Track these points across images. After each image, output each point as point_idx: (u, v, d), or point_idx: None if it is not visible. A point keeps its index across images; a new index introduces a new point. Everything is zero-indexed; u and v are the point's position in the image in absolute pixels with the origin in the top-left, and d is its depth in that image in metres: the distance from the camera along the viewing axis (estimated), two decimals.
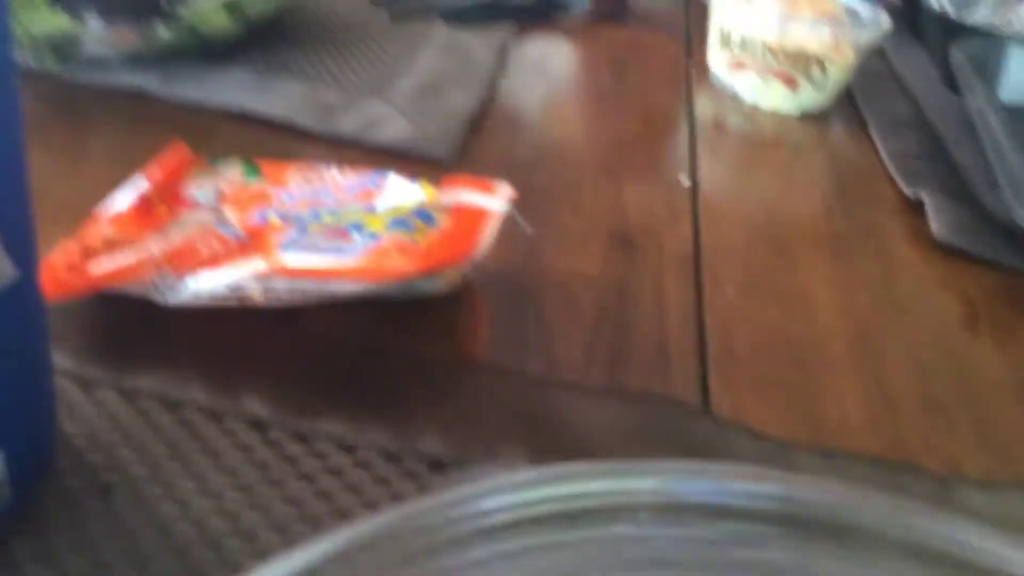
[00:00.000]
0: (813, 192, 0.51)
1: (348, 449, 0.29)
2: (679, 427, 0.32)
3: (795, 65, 0.58)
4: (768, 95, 0.60)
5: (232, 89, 0.50)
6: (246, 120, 0.49)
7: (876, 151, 0.56)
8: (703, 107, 0.60)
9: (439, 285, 0.35)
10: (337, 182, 0.36)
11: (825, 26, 0.58)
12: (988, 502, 0.30)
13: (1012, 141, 0.49)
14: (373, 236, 0.32)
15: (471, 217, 0.34)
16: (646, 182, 0.49)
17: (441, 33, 0.63)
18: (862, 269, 0.44)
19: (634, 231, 0.44)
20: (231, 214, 0.34)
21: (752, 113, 0.60)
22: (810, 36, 0.58)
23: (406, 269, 0.31)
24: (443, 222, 0.34)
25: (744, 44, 0.60)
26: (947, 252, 0.46)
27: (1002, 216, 0.46)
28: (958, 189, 0.50)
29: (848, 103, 0.62)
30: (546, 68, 0.63)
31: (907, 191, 0.50)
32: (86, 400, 0.30)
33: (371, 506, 0.28)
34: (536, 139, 0.52)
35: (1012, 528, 0.24)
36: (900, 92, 0.65)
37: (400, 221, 0.33)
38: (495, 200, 0.35)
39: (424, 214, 0.34)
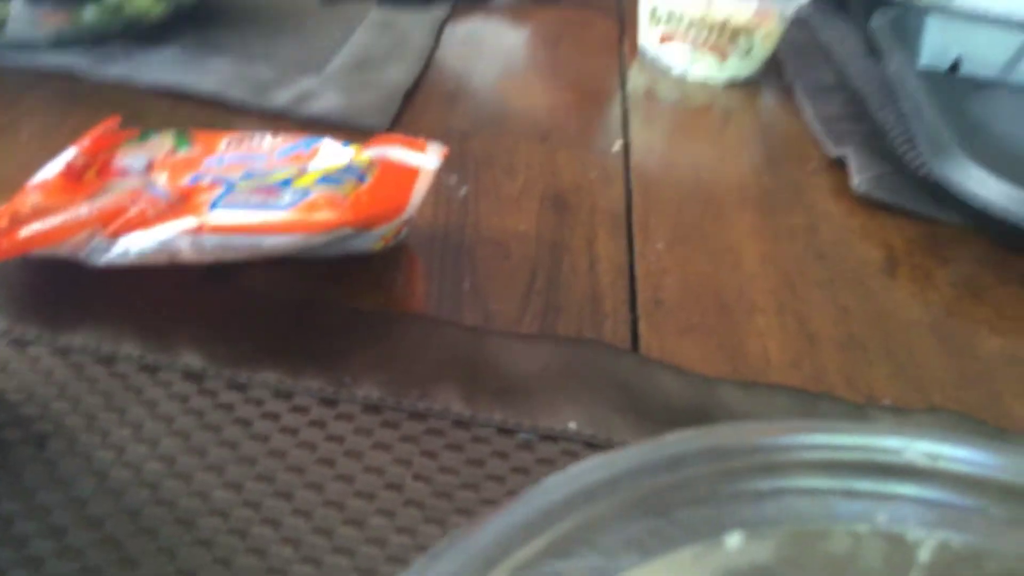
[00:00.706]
0: (741, 154, 0.53)
1: (284, 395, 0.30)
2: (609, 365, 0.33)
3: (722, 36, 0.60)
4: (697, 66, 0.62)
5: (162, 67, 0.50)
6: (177, 98, 0.49)
7: (802, 115, 0.58)
8: (635, 79, 0.61)
9: (374, 243, 0.36)
10: (269, 148, 0.36)
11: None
12: (900, 424, 0.32)
13: (929, 101, 0.52)
14: (303, 192, 0.33)
15: (401, 173, 0.35)
16: (579, 147, 0.50)
17: (375, 13, 0.63)
18: (787, 222, 0.46)
19: (567, 192, 0.46)
20: (161, 179, 0.35)
21: (682, 83, 0.62)
22: (736, 8, 0.59)
23: (334, 220, 0.32)
24: (372, 176, 0.35)
25: (672, 18, 0.61)
26: (868, 205, 0.48)
27: (919, 170, 0.48)
28: (879, 147, 0.52)
29: (775, 71, 0.64)
30: (481, 44, 0.64)
31: (831, 150, 0.52)
32: (20, 358, 0.30)
33: (308, 446, 0.28)
34: (471, 110, 0.53)
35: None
36: (825, 59, 0.67)
37: (330, 178, 0.34)
38: (426, 157, 0.36)
39: (354, 170, 0.35)
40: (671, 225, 0.44)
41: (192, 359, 0.31)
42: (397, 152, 0.36)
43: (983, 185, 0.43)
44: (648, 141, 0.53)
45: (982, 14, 0.68)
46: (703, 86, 0.61)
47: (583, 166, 0.48)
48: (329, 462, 0.28)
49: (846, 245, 0.44)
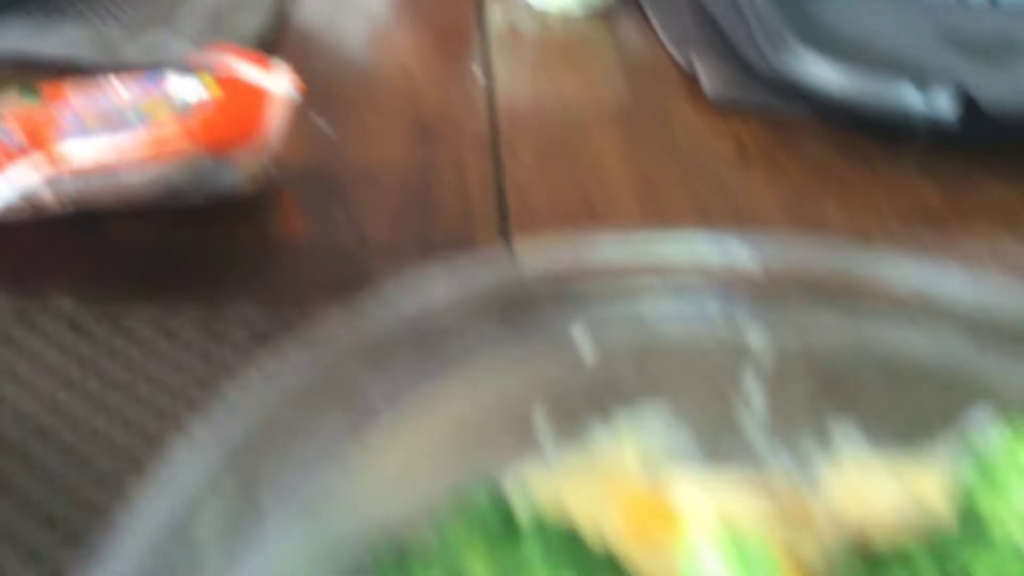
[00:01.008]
0: (600, 76, 0.55)
1: (165, 331, 0.30)
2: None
3: None
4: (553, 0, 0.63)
5: (7, 36, 0.49)
6: (27, 67, 0.48)
7: (656, 35, 0.60)
8: (495, 15, 0.62)
9: (238, 179, 0.36)
10: (117, 90, 0.36)
11: None
12: None
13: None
14: (151, 117, 0.33)
15: (249, 93, 0.35)
16: (443, 80, 0.51)
17: None
18: (647, 132, 0.48)
19: (433, 120, 0.46)
20: (12, 126, 0.34)
21: (542, 17, 0.63)
22: None
23: (185, 142, 0.32)
24: (216, 94, 0.35)
25: None
26: (721, 108, 0.50)
27: (763, 67, 0.50)
28: (725, 51, 0.54)
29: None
30: None
31: (680, 60, 0.54)
32: None
33: (187, 372, 0.29)
34: (330, 53, 0.53)
35: None
36: None
37: (176, 103, 0.34)
38: (275, 81, 0.36)
39: (201, 93, 0.35)
40: (537, 144, 0.46)
41: (66, 305, 0.31)
42: (244, 70, 0.36)
43: (820, 73, 0.46)
44: (510, 69, 0.54)
45: None
46: (563, 18, 0.63)
47: (447, 97, 0.49)
48: (209, 385, 0.29)
49: (701, 145, 0.47)
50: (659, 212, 0.41)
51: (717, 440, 0.20)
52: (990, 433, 0.18)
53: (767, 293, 0.21)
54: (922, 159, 0.47)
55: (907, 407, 0.20)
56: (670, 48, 0.57)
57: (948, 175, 0.45)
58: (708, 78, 0.51)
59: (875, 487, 0.19)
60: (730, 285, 0.21)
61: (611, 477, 0.19)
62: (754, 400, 0.21)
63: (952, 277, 0.21)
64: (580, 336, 0.20)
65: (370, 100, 0.48)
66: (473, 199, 0.40)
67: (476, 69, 0.52)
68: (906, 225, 0.42)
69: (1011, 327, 0.20)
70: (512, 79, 0.53)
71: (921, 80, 0.44)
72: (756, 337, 0.20)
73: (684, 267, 0.21)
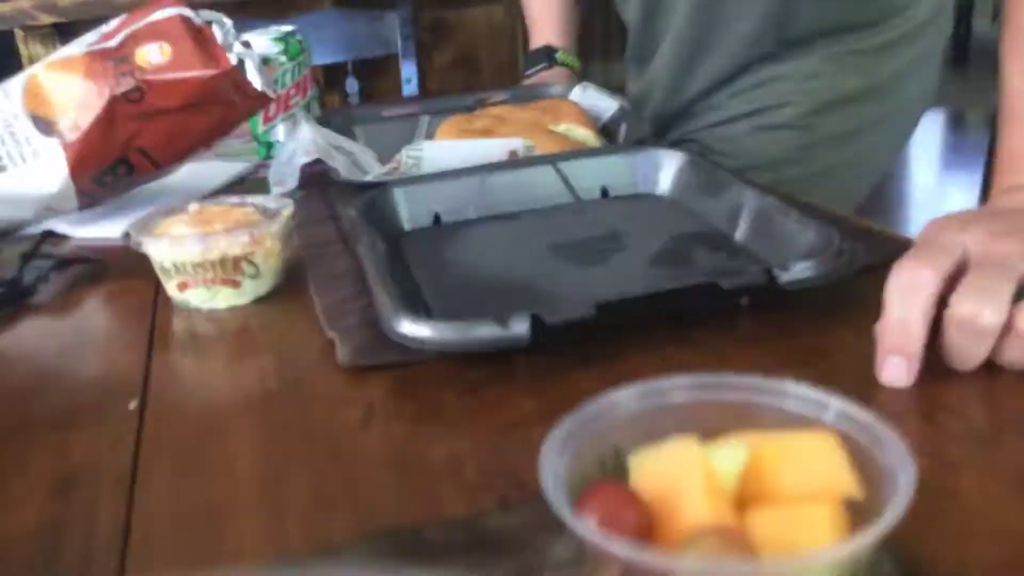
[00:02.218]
0: (253, 365, 0.60)
1: None
2: None
3: (227, 270, 0.68)
4: (218, 299, 0.69)
5: None
6: None
7: (314, 308, 0.66)
8: (166, 327, 0.67)
9: None
10: None
11: (240, 231, 0.68)
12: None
13: (382, 271, 0.60)
14: None
15: None
16: (95, 425, 0.54)
17: None
18: (285, 416, 0.52)
19: (78, 471, 0.49)
20: None
21: (210, 316, 0.68)
22: (230, 244, 0.67)
23: None
24: None
25: (179, 268, 0.68)
26: (357, 371, 0.56)
27: (388, 330, 0.57)
28: (367, 322, 0.60)
29: (298, 273, 0.72)
30: (11, 352, 0.67)
31: (327, 333, 0.60)
32: None
33: None
34: None
35: None
36: (343, 250, 0.76)
37: None
38: None
39: None
40: (173, 462, 0.49)
41: None
42: None
43: (421, 332, 0.53)
44: (166, 386, 0.58)
45: (446, 170, 0.82)
46: (232, 311, 0.69)
47: (97, 442, 0.52)
48: None
49: (333, 415, 0.52)
50: (278, 506, 0.44)
51: None
52: None
53: None
54: (528, 374, 0.54)
55: None
56: (320, 321, 0.63)
57: (548, 386, 0.52)
58: (343, 346, 0.57)
59: None
60: None
61: None
62: None
63: None
64: None
65: (16, 460, 0.51)
66: (96, 549, 0.43)
67: (133, 404, 0.56)
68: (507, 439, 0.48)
69: None
70: (166, 394, 0.57)
71: (501, 317, 0.52)
72: None
73: None
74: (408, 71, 1.81)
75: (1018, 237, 0.48)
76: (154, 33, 0.90)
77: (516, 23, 2.19)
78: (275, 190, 0.92)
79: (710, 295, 0.55)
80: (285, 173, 0.92)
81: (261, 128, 1.09)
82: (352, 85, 1.95)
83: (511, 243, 0.71)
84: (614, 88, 1.05)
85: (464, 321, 0.52)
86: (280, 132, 1.08)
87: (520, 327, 0.51)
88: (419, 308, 0.59)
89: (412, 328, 0.53)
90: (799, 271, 0.55)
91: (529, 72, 1.22)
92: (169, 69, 0.88)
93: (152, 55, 0.89)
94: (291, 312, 0.68)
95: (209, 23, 0.96)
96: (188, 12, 0.92)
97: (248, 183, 1.06)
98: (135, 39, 0.91)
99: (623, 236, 0.70)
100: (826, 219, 0.62)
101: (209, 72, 0.88)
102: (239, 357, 0.62)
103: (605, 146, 0.86)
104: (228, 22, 0.96)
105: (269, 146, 1.10)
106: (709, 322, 0.56)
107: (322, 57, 1.86)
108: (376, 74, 2.07)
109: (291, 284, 0.71)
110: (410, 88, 1.84)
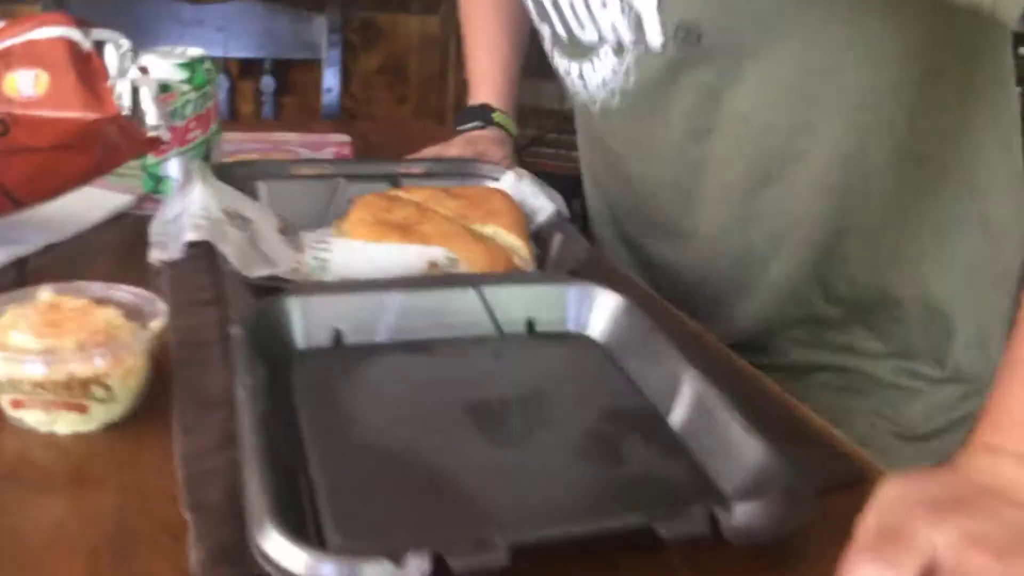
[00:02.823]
0: (89, 507, 0.49)
1: None
2: None
3: (74, 392, 0.56)
4: (60, 423, 0.57)
5: None
6: None
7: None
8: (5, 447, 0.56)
9: None
10: None
11: (97, 351, 0.56)
12: None
13: (259, 458, 0.49)
14: None
15: None
16: None
17: None
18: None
19: None
20: None
21: (53, 441, 0.57)
22: (81, 366, 0.56)
23: None
24: None
25: (13, 384, 0.56)
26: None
27: (252, 538, 0.47)
28: (232, 492, 0.50)
29: (165, 383, 0.61)
30: None
31: (185, 501, 0.50)
32: None
33: None
34: None
35: None
36: (223, 353, 0.65)
37: None
38: None
39: None
40: None
41: None
42: None
43: (293, 558, 0.43)
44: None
45: (354, 281, 0.71)
46: (75, 438, 0.57)
47: None
48: None
49: None
50: None
51: None
52: None
53: None
54: None
55: None
56: (181, 484, 0.52)
57: None
58: (197, 546, 0.47)
59: None
60: None
61: None
62: None
63: None
64: None
65: None
66: None
67: None
68: None
69: None
70: None
71: (395, 554, 0.42)
72: None
73: None
74: (330, 81, 1.68)
75: (996, 544, 0.41)
76: (31, 57, 0.77)
77: (449, 38, 2.08)
78: (154, 252, 0.80)
79: (644, 535, 0.47)
80: (169, 234, 0.80)
81: (152, 159, 0.96)
82: (268, 84, 1.80)
83: (420, 393, 0.62)
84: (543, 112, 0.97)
85: (350, 558, 0.43)
86: (173, 167, 0.96)
87: (418, 569, 0.42)
88: (299, 501, 0.49)
89: (282, 552, 0.43)
90: (744, 515, 0.48)
91: (462, 128, 1.12)
92: (42, 105, 0.75)
93: (24, 85, 0.76)
94: (146, 444, 0.57)
95: (101, 44, 0.82)
96: (75, 35, 0.78)
97: (127, 222, 0.94)
98: (6, 59, 0.77)
99: (548, 402, 0.61)
100: (773, 421, 0.56)
101: (90, 116, 0.75)
102: (72, 496, 0.52)
103: (535, 273, 0.77)
104: (126, 43, 0.83)
105: (158, 179, 0.97)
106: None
107: (239, 50, 1.71)
108: (295, 74, 1.93)
109: (153, 402, 0.60)
110: (330, 98, 1.71)
